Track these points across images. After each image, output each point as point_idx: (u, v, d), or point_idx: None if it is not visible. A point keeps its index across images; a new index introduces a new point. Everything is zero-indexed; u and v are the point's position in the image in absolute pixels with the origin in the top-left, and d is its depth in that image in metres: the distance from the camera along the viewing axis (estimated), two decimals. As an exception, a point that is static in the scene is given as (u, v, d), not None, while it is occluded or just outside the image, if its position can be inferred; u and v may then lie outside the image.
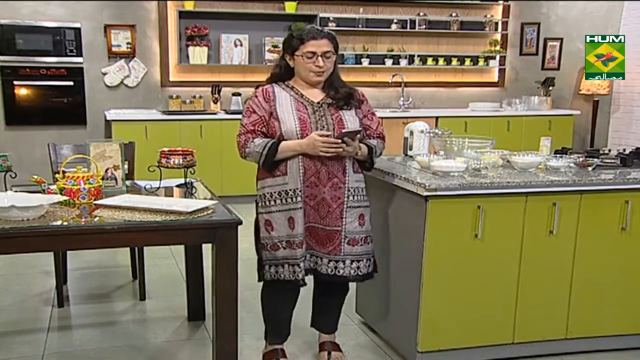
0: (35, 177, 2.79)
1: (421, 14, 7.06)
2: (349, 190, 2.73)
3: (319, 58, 2.66)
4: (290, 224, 2.68)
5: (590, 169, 3.15)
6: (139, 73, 6.47)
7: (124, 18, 6.34)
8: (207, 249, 2.81)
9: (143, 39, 6.45)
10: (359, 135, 2.71)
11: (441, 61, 7.23)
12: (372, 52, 7.05)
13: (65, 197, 2.65)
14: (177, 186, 3.13)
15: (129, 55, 6.41)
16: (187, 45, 6.45)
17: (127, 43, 6.37)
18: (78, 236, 2.44)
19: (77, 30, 6.19)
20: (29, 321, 3.49)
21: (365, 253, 2.79)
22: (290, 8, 6.63)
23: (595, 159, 3.24)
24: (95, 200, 2.70)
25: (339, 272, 2.74)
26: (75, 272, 4.23)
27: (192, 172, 3.05)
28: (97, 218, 2.53)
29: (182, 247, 3.74)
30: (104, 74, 6.38)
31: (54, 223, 2.40)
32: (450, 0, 7.13)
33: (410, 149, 3.38)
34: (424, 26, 7.08)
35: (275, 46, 6.52)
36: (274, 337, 2.97)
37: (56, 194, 2.69)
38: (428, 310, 2.83)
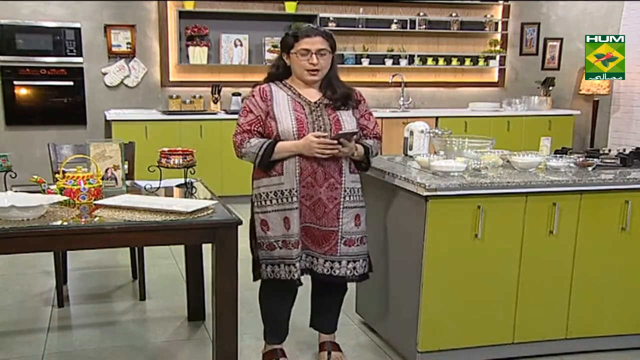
0: (35, 177, 2.79)
1: (421, 14, 7.06)
2: (345, 191, 2.73)
3: (313, 56, 2.65)
4: (286, 224, 2.68)
5: (590, 169, 3.15)
6: (139, 73, 6.48)
7: (124, 18, 6.34)
8: (207, 249, 2.81)
9: (143, 39, 6.45)
10: (355, 136, 2.71)
11: (441, 61, 7.23)
12: (372, 52, 7.05)
13: (65, 197, 2.65)
14: (177, 186, 3.13)
15: (129, 55, 6.41)
16: (187, 45, 6.45)
17: (127, 43, 6.37)
18: (78, 236, 2.44)
19: (77, 30, 6.19)
20: (29, 321, 3.49)
21: (361, 253, 2.79)
22: (290, 8, 6.63)
23: (595, 159, 3.24)
24: (95, 200, 2.70)
25: (334, 272, 2.74)
26: (75, 272, 4.23)
27: (192, 172, 3.05)
28: (97, 218, 2.53)
29: (182, 247, 3.74)
30: (104, 74, 6.38)
31: (54, 223, 2.40)
32: (450, 0, 7.13)
33: (410, 149, 3.38)
34: (424, 26, 7.08)
35: (275, 46, 6.52)
36: (272, 337, 2.97)
37: (56, 194, 2.69)
38: (428, 310, 2.83)
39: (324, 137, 2.62)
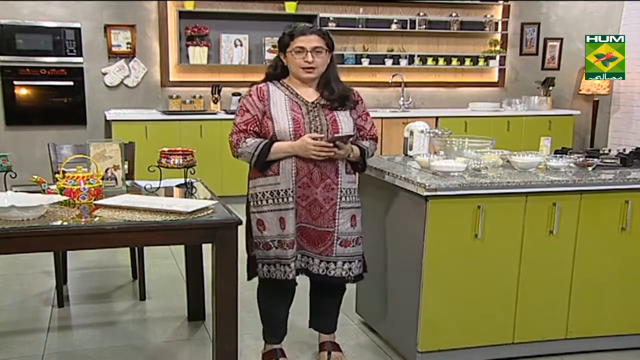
0: (35, 177, 2.79)
1: (421, 14, 7.06)
2: (341, 191, 2.73)
3: (308, 53, 2.65)
4: (282, 224, 2.68)
5: (590, 169, 3.15)
6: (139, 73, 6.48)
7: (124, 18, 6.34)
8: (207, 249, 2.81)
9: (143, 39, 6.45)
10: (351, 138, 2.71)
11: (441, 61, 7.23)
12: (372, 52, 7.05)
13: (65, 197, 2.65)
14: (177, 186, 3.13)
15: (129, 55, 6.41)
16: (187, 45, 6.45)
17: (127, 43, 6.37)
18: (78, 236, 2.44)
19: (77, 30, 6.19)
20: (29, 321, 3.49)
21: (356, 254, 2.79)
22: (290, 8, 6.63)
23: (595, 159, 3.24)
24: (95, 200, 2.70)
25: (330, 272, 2.74)
26: (75, 272, 4.23)
27: (192, 172, 3.05)
28: (97, 218, 2.53)
29: (182, 247, 3.74)
30: (104, 74, 6.38)
31: (54, 223, 2.40)
32: (450, 0, 7.14)
33: (410, 149, 3.38)
34: (424, 26, 7.08)
35: (275, 46, 6.51)
36: (271, 336, 2.97)
37: (56, 194, 2.69)
38: (428, 310, 2.83)
39: (320, 139, 2.61)
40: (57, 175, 2.82)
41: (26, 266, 4.33)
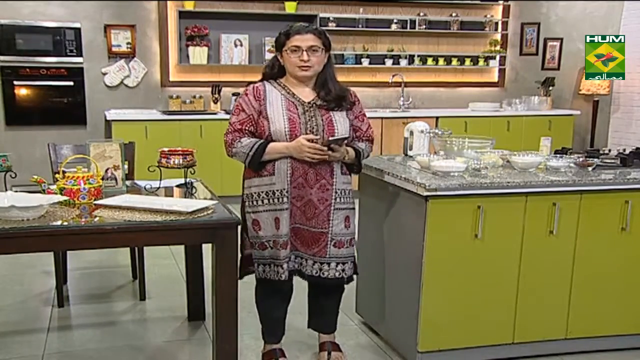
0: (35, 177, 2.79)
1: (421, 14, 7.06)
2: (336, 192, 2.73)
3: (304, 52, 2.65)
4: (276, 224, 2.68)
5: (590, 169, 3.15)
6: (139, 73, 6.48)
7: (124, 18, 6.34)
8: (207, 249, 2.81)
9: (143, 39, 6.45)
10: (346, 140, 2.71)
11: (441, 61, 7.23)
12: (372, 52, 7.04)
13: (65, 197, 2.65)
14: (177, 186, 3.13)
15: (129, 55, 6.41)
16: (187, 45, 6.45)
17: (127, 43, 6.37)
18: (78, 236, 2.43)
19: (77, 30, 6.19)
20: (29, 321, 3.49)
21: (349, 255, 2.79)
22: (290, 8, 6.63)
23: (595, 159, 3.24)
24: (95, 200, 2.70)
25: (323, 274, 2.74)
26: (75, 272, 4.23)
27: (192, 172, 3.05)
28: (97, 218, 2.53)
29: (182, 247, 3.74)
30: (104, 74, 6.38)
31: (54, 223, 2.40)
32: (450, 0, 7.14)
33: (410, 149, 3.38)
34: (424, 26, 7.08)
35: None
36: (269, 336, 2.97)
37: (56, 194, 2.69)
38: (428, 310, 2.83)
39: (315, 141, 2.61)
40: (57, 175, 2.82)
41: (26, 266, 4.33)
